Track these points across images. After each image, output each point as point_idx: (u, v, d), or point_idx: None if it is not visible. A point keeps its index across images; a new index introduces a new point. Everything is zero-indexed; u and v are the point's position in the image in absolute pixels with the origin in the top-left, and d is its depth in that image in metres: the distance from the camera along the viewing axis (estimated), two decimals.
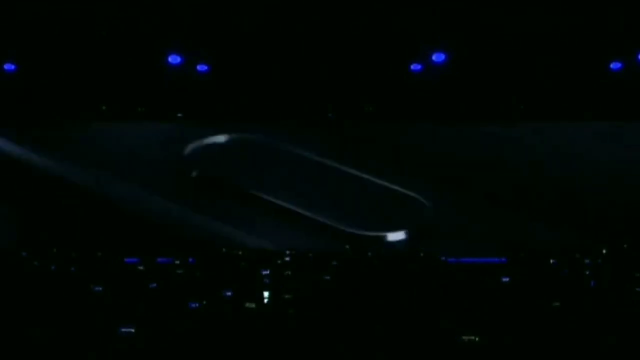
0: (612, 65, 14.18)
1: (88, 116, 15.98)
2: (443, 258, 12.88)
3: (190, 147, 16.18)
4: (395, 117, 16.03)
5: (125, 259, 12.66)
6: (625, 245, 14.24)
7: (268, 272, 10.22)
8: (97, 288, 7.95)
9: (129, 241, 16.13)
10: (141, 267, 11.41)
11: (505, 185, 16.08)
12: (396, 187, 15.97)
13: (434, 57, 13.93)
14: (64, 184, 15.98)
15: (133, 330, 5.67)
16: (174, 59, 13.93)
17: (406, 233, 15.50)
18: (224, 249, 14.48)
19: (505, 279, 9.10)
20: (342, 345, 5.53)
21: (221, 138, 16.43)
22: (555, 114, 15.79)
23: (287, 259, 13.16)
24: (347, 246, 14.67)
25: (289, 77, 14.76)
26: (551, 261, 12.25)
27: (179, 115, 16.35)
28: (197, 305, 6.93)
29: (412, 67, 14.39)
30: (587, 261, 12.22)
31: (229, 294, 7.92)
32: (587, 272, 10.45)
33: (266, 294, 8.35)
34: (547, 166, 16.10)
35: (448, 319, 6.24)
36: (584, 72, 14.37)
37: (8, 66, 14.16)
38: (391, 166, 15.98)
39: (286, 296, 7.90)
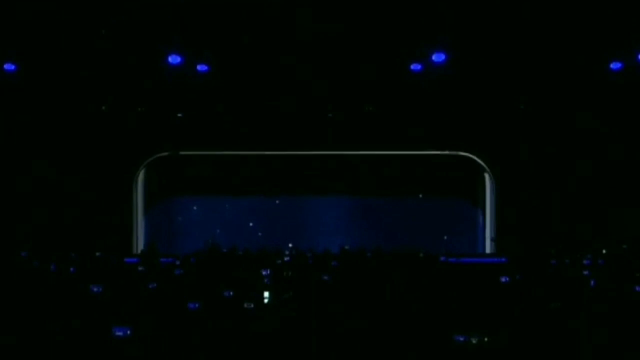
0: (612, 65, 14.16)
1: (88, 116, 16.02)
2: (443, 258, 12.88)
3: None
4: (396, 117, 16.06)
5: (125, 259, 12.66)
6: (625, 246, 14.24)
7: (268, 272, 10.22)
8: (96, 288, 7.95)
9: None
10: (141, 267, 11.41)
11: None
12: None
13: (434, 57, 13.91)
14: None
15: (133, 330, 5.66)
16: (174, 59, 13.92)
17: None
18: (224, 249, 14.48)
19: (505, 279, 9.11)
20: (342, 345, 5.53)
21: None
22: (555, 113, 15.81)
23: (287, 259, 13.17)
24: (347, 246, 14.67)
25: (289, 77, 14.75)
26: (551, 261, 12.25)
27: (179, 115, 16.35)
28: (197, 305, 6.93)
29: (412, 67, 14.37)
30: (587, 261, 12.21)
31: (229, 294, 7.92)
32: (587, 272, 10.45)
33: (266, 294, 8.35)
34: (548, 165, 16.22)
35: (448, 318, 6.24)
36: (584, 72, 14.36)
37: (8, 66, 14.14)
38: None
39: (286, 296, 7.91)
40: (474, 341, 5.39)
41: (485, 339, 5.41)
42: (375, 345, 5.54)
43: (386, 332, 5.83)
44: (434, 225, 16.46)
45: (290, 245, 14.89)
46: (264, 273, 10.15)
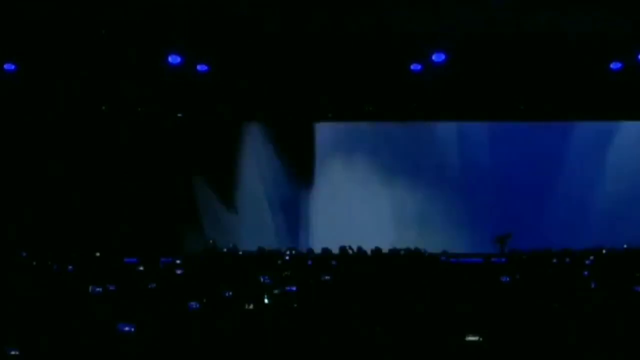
0: (612, 65, 14.16)
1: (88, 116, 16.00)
2: (443, 258, 12.86)
3: None
4: (395, 117, 16.08)
5: (125, 259, 12.64)
6: (625, 245, 14.24)
7: (268, 272, 10.21)
8: (96, 288, 7.95)
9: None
10: (141, 267, 11.40)
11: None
12: None
13: (434, 57, 13.92)
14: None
15: (133, 330, 5.67)
16: (174, 59, 13.92)
17: None
18: (224, 249, 14.46)
19: (505, 279, 9.11)
20: (342, 345, 5.53)
21: None
22: (555, 114, 15.81)
23: (287, 258, 13.15)
24: (347, 246, 14.65)
25: (289, 77, 14.76)
26: (552, 261, 12.24)
27: (179, 115, 16.36)
28: (197, 305, 6.93)
29: (412, 67, 14.38)
30: (587, 261, 12.20)
31: (229, 294, 7.92)
32: (587, 272, 10.44)
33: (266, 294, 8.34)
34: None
35: (448, 319, 6.24)
36: (584, 72, 14.36)
37: (8, 66, 14.14)
38: None
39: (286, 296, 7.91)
40: (473, 341, 5.39)
41: (485, 339, 5.41)
42: (375, 344, 5.55)
43: (386, 332, 5.83)
44: None
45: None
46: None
